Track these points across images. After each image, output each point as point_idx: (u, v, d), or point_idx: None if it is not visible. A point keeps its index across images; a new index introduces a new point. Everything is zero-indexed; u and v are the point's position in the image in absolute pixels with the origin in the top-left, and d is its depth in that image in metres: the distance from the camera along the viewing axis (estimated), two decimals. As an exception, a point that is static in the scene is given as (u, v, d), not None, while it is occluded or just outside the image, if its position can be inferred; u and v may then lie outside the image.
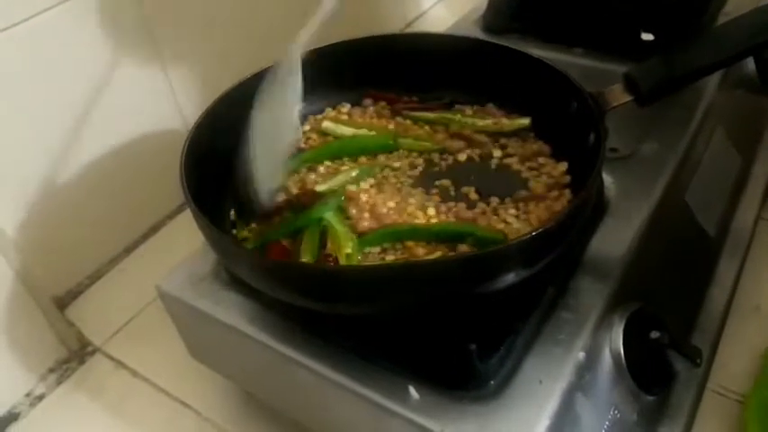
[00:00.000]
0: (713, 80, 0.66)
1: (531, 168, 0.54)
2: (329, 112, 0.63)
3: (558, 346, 0.45)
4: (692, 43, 0.52)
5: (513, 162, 0.55)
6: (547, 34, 0.71)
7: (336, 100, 0.63)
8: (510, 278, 0.41)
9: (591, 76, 0.54)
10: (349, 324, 0.46)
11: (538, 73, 0.55)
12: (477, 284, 0.41)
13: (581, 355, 0.45)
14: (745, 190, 0.69)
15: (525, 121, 0.57)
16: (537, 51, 0.57)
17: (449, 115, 0.59)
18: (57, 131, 0.64)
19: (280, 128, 0.50)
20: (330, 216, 0.49)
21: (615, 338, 0.47)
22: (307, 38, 0.50)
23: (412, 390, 0.43)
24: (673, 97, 0.52)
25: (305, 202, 0.53)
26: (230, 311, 0.50)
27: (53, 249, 0.67)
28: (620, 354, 0.47)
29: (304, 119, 0.62)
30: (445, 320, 0.45)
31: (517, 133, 0.57)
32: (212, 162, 0.55)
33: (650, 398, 0.49)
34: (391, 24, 1.06)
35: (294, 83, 0.49)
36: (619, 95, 0.50)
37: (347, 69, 0.62)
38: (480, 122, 0.58)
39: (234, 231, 0.53)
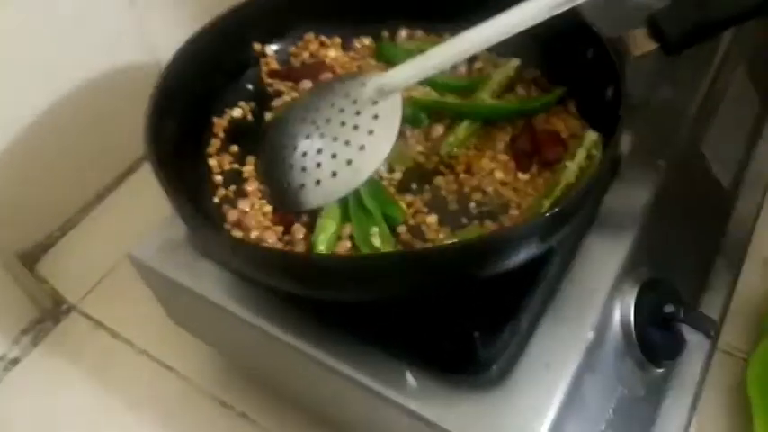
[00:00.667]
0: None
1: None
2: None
3: (564, 325, 0.41)
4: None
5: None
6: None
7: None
8: (519, 259, 0.37)
9: (611, 16, 0.48)
10: (338, 305, 0.42)
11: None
12: (483, 270, 0.37)
13: (590, 334, 0.41)
14: (762, 135, 0.64)
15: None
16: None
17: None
18: (18, 72, 0.58)
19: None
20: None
21: (625, 313, 0.44)
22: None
23: (408, 375, 0.40)
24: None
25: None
26: (205, 282, 0.46)
27: (18, 203, 0.62)
28: (630, 329, 0.44)
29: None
30: (444, 301, 0.41)
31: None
32: (187, 106, 0.49)
33: (659, 370, 0.46)
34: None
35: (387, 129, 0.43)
36: (642, 42, 0.44)
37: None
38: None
39: (214, 162, 0.49)
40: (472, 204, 0.45)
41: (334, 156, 0.43)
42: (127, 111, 0.65)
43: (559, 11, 0.41)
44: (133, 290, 0.60)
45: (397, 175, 0.47)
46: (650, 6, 0.45)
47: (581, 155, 0.43)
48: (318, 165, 0.43)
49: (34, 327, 0.62)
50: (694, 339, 0.49)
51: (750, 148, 0.62)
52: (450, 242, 0.42)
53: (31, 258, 0.65)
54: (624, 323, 0.44)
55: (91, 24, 0.62)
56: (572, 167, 0.43)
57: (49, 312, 0.63)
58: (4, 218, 0.61)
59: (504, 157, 0.46)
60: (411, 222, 0.44)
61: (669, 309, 0.44)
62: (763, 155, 0.63)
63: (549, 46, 0.49)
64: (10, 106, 0.59)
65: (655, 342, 0.45)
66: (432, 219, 0.44)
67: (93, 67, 0.64)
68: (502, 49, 0.50)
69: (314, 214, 0.44)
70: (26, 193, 0.63)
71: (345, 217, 0.43)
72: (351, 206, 0.43)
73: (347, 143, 0.43)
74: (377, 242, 0.42)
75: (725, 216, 0.58)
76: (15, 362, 0.60)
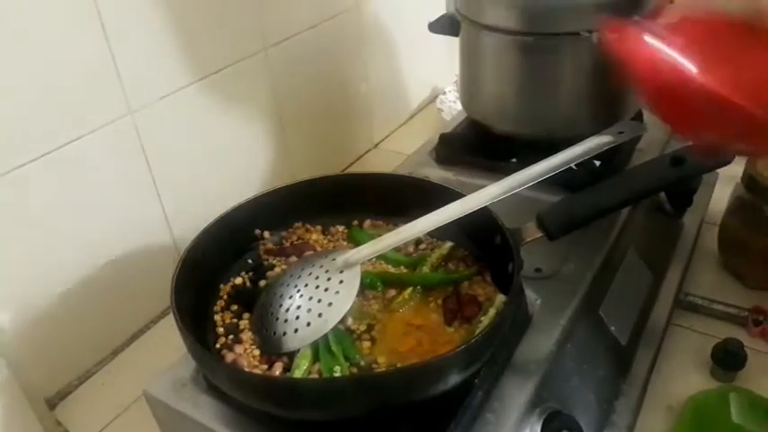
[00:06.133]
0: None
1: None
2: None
3: (483, 443, 0.54)
4: (597, 187, 0.65)
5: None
6: (492, 168, 0.82)
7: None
8: (441, 385, 0.51)
9: (535, 204, 0.64)
10: (309, 427, 0.55)
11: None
12: (413, 390, 0.50)
13: (502, 451, 0.54)
14: (657, 301, 0.80)
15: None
16: (483, 182, 0.64)
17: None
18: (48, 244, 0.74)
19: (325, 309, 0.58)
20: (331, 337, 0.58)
21: (533, 436, 0.56)
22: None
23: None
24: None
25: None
26: (205, 413, 0.58)
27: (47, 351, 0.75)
28: (536, 449, 0.56)
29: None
30: (390, 418, 0.53)
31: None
32: (199, 277, 0.64)
33: (564, 487, 0.58)
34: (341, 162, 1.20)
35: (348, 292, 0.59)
36: (532, 232, 0.61)
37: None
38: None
39: (218, 317, 0.63)
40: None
41: (309, 310, 0.58)
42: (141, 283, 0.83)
43: (469, 212, 0.59)
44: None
45: (363, 326, 0.61)
46: (539, 201, 0.63)
47: (491, 312, 0.59)
48: (297, 317, 0.58)
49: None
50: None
51: (646, 313, 0.78)
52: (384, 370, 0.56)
53: (50, 404, 0.77)
54: (532, 445, 0.56)
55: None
56: (485, 321, 0.58)
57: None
58: (38, 362, 0.73)
59: (435, 315, 0.61)
60: (366, 362, 0.58)
61: (565, 433, 0.57)
62: (656, 319, 0.78)
63: (471, 233, 0.68)
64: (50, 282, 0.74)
65: (558, 462, 0.57)
66: (382, 359, 0.58)
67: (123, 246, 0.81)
68: (439, 235, 0.69)
69: (291, 356, 0.58)
70: (54, 345, 0.76)
71: (316, 357, 0.57)
72: (320, 349, 0.57)
73: (319, 301, 0.58)
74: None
75: (625, 366, 0.72)
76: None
